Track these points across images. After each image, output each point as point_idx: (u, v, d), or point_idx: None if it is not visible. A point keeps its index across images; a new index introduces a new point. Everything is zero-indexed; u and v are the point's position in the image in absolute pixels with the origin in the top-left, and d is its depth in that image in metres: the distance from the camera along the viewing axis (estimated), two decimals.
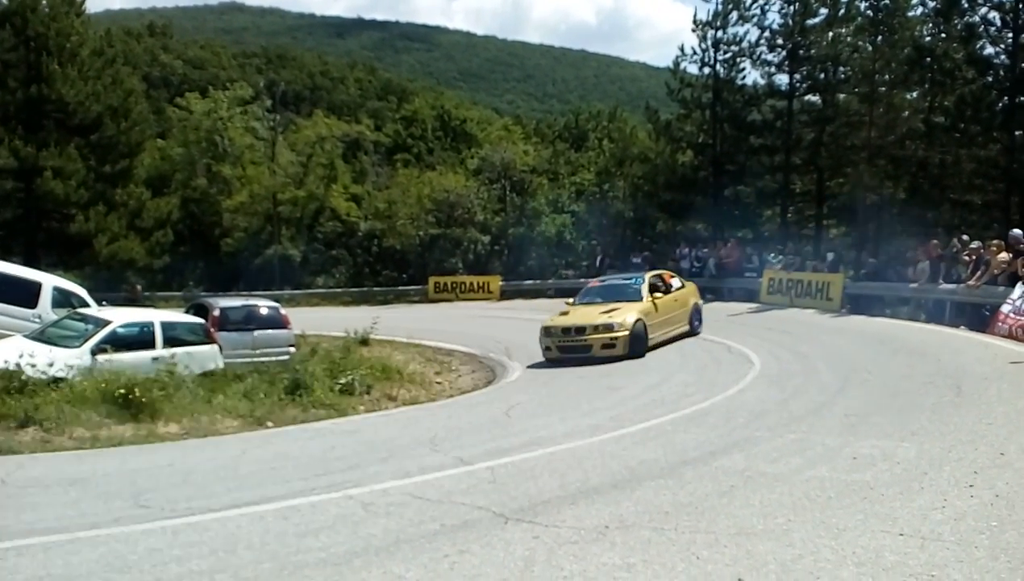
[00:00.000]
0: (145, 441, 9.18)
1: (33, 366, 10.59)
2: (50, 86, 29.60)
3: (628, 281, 16.65)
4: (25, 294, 15.28)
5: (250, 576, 4.42)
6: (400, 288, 36.03)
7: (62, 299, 15.73)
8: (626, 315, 14.56)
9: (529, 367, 14.58)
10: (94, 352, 11.68)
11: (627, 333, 14.21)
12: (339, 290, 36.89)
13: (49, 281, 16.20)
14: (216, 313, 15.32)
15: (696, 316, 16.92)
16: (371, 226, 39.57)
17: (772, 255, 24.41)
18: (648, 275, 16.79)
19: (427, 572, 4.40)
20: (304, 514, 5.57)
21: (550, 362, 14.64)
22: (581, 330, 14.48)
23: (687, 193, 32.33)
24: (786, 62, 30.33)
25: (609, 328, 14.28)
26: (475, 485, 6.24)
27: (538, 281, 33.83)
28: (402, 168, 45.72)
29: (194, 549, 4.85)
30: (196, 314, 15.27)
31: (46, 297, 15.49)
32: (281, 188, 40.82)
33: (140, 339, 12.49)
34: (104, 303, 16.77)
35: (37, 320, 14.62)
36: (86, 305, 15.60)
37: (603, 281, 17.83)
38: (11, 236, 29.61)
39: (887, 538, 4.62)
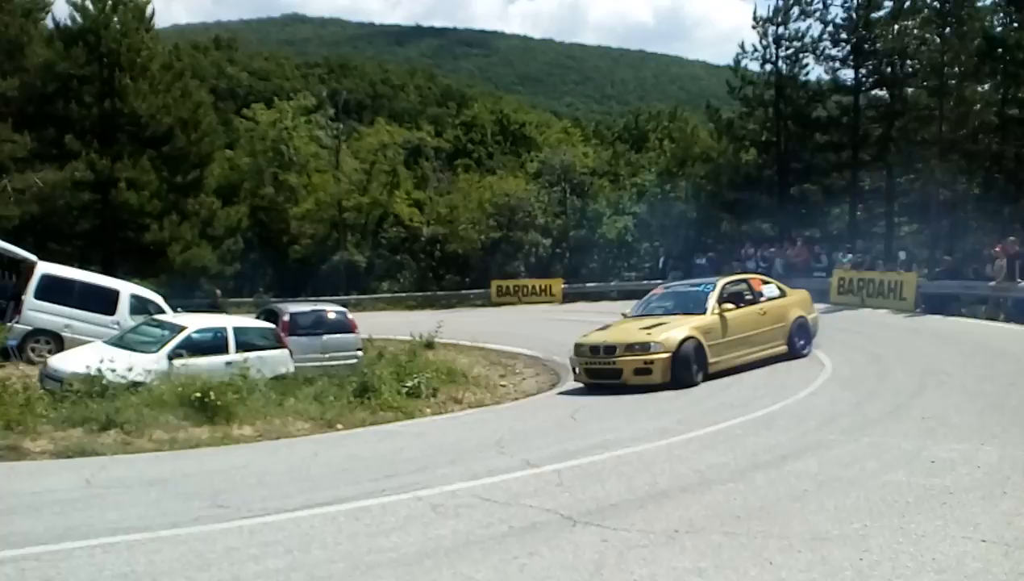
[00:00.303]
0: (221, 443, 9.43)
1: (113, 371, 10.97)
2: (123, 100, 30.56)
3: (695, 288, 13.68)
4: (104, 302, 15.96)
5: (324, 575, 4.50)
6: (463, 292, 36.28)
7: (139, 306, 16.33)
8: (671, 332, 11.77)
9: None
10: (171, 357, 12.10)
11: (667, 356, 11.44)
12: (403, 295, 37.35)
13: (127, 289, 16.81)
14: (286, 318, 15.64)
15: (800, 333, 13.35)
16: (434, 231, 39.99)
17: (841, 254, 23.86)
18: (724, 281, 13.47)
19: (497, 573, 4.42)
20: (375, 515, 5.64)
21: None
22: (611, 350, 11.92)
23: (751, 192, 31.82)
24: (851, 57, 29.63)
25: (645, 348, 11.57)
26: (542, 488, 6.24)
27: (600, 283, 33.73)
28: (463, 173, 46.05)
29: (270, 548, 4.96)
30: (267, 320, 15.62)
31: (124, 304, 16.12)
32: (346, 195, 41.55)
33: (214, 344, 12.86)
34: (179, 310, 17.29)
35: (116, 326, 15.23)
36: (162, 311, 16.14)
37: (668, 288, 14.97)
38: (90, 246, 30.71)
39: (968, 544, 4.49)
